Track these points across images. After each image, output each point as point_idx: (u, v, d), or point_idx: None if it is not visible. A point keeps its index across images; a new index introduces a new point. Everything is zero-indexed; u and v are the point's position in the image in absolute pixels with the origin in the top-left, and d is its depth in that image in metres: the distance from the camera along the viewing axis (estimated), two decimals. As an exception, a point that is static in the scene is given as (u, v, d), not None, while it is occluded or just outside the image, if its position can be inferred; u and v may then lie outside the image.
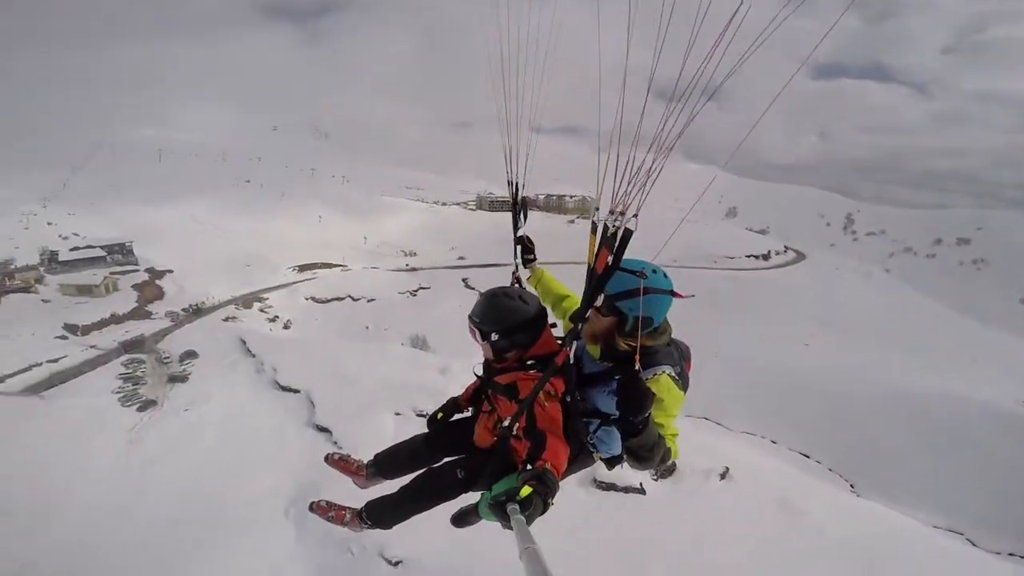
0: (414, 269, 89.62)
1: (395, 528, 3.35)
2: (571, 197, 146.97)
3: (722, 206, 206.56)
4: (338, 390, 37.45)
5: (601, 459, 3.02)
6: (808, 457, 43.17)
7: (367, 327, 64.68)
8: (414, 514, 3.18)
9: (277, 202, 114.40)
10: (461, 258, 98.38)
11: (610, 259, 2.39)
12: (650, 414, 2.47)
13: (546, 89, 3.05)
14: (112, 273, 60.87)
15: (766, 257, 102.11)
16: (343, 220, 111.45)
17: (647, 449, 2.54)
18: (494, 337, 2.86)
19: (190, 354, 42.75)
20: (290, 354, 43.30)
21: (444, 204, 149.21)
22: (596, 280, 2.45)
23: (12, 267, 59.92)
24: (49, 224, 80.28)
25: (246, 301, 64.19)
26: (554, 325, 3.15)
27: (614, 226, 2.35)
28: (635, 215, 2.34)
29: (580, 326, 2.68)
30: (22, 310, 50.69)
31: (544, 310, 3.03)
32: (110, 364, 41.75)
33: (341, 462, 3.56)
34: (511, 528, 1.87)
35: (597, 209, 2.52)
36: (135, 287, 59.99)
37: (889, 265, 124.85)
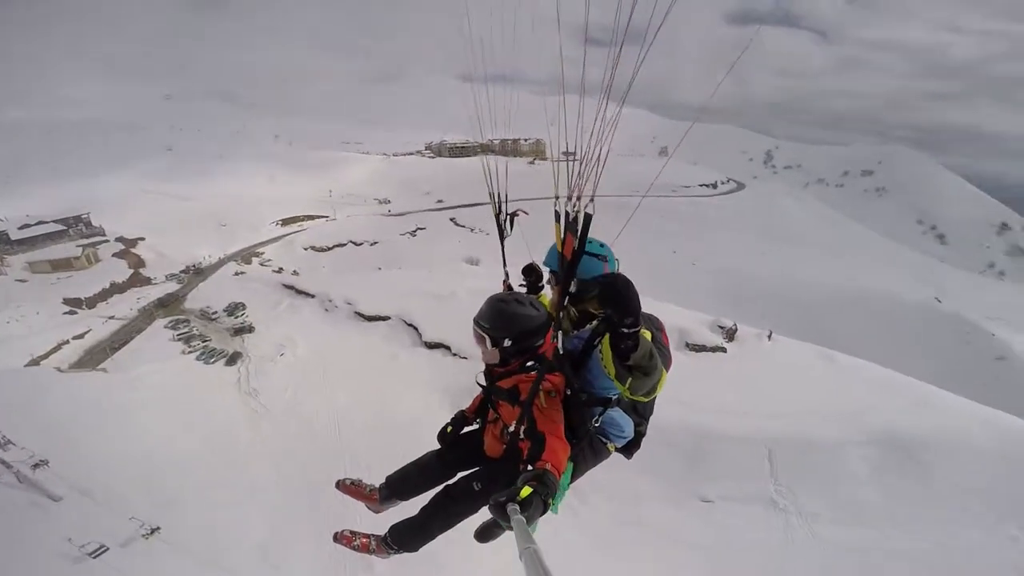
0: (400, 213, 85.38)
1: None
2: (525, 140, 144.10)
3: (655, 145, 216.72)
4: (435, 307, 35.13)
5: (617, 449, 2.97)
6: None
7: (379, 268, 60.95)
8: (439, 533, 3.05)
9: (216, 165, 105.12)
10: (439, 201, 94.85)
11: (576, 244, 2.46)
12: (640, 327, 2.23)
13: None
14: (84, 246, 52.14)
15: (714, 186, 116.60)
16: (295, 176, 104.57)
17: (648, 358, 2.31)
18: (506, 343, 2.77)
19: (239, 306, 38.00)
20: (354, 288, 39.95)
21: (396, 155, 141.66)
22: (567, 266, 2.52)
23: (-49, 254, 49.90)
24: (-40, 210, 69.19)
25: (244, 257, 59.58)
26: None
27: (574, 211, 2.41)
28: (591, 199, 2.38)
29: (560, 315, 2.73)
30: (3, 292, 42.39)
31: (549, 314, 2.91)
32: (148, 330, 36.32)
33: (352, 487, 3.42)
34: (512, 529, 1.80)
35: (558, 198, 2.54)
36: (115, 256, 51.93)
37: (805, 194, 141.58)
